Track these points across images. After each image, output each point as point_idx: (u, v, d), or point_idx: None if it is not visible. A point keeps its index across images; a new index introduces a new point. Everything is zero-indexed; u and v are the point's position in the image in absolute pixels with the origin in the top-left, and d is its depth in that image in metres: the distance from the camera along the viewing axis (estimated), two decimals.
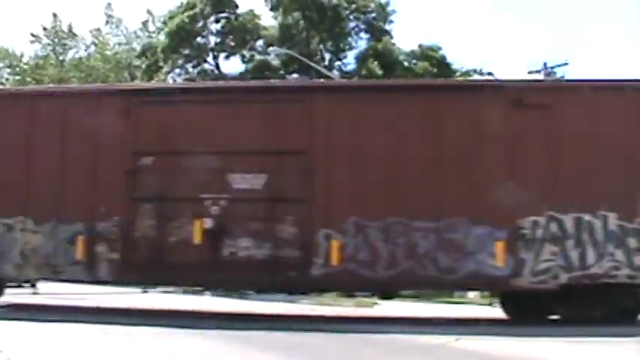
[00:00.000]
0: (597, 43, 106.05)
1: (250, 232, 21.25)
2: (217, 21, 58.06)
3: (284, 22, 55.51)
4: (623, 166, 20.65)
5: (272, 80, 56.00)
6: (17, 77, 79.06)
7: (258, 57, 57.23)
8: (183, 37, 56.94)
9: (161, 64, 58.37)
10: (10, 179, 22.70)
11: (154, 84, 25.84)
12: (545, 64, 51.76)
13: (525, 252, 20.19)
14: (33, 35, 78.45)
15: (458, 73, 62.00)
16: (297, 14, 55.33)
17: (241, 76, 56.40)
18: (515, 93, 21.14)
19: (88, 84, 73.70)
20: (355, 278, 20.97)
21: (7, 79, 79.41)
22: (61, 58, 78.33)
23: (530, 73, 52.39)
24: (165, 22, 61.67)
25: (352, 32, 57.59)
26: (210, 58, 58.92)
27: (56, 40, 78.28)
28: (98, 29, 77.95)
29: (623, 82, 22.19)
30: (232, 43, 57.90)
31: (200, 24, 57.45)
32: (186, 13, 56.68)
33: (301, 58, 49.98)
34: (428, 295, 36.84)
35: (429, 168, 20.73)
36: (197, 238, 21.56)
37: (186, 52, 58.18)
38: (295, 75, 56.74)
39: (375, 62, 53.51)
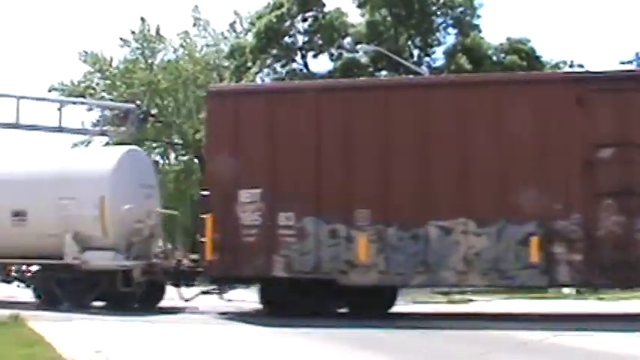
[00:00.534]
0: None
1: None
2: (304, 20, 58.05)
3: (371, 19, 55.34)
4: None
5: None
6: (107, 82, 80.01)
7: (346, 55, 57.13)
8: (271, 37, 57.05)
9: (249, 64, 58.55)
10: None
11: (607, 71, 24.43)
12: (637, 54, 50.96)
13: None
14: (122, 39, 79.30)
15: (548, 66, 61.36)
16: (384, 11, 55.17)
17: (330, 75, 56.39)
18: None
19: (176, 86, 74.70)
20: None
21: (97, 84, 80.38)
22: (149, 61, 79.05)
23: (621, 63, 51.63)
24: (252, 23, 61.91)
25: (440, 27, 57.25)
26: (298, 57, 58.98)
27: (145, 44, 79.00)
28: (186, 32, 78.55)
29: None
30: (320, 42, 57.82)
31: (287, 23, 57.50)
32: (273, 13, 56.80)
33: (390, 54, 49.89)
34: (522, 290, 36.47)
35: None
36: None
37: (275, 51, 58.25)
38: (384, 72, 56.68)
39: (464, 57, 53.19)
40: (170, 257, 29.20)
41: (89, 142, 72.64)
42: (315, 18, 57.74)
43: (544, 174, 21.89)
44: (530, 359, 15.48)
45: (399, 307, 29.58)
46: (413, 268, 22.95)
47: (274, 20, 56.54)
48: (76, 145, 71.08)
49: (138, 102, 68.82)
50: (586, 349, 15.99)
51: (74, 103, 67.66)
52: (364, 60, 56.14)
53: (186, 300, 27.39)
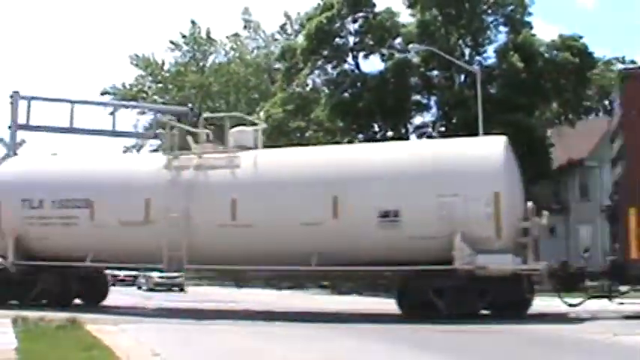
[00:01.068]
0: None
1: None
2: (355, 20, 57.92)
3: (422, 18, 55.13)
4: None
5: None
6: (159, 85, 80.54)
7: (397, 55, 56.92)
8: (321, 38, 57.01)
9: (300, 66, 58.60)
10: None
11: None
12: None
13: None
14: (172, 43, 79.79)
15: (600, 63, 60.79)
16: (435, 10, 54.92)
17: (381, 75, 56.28)
18: None
19: (227, 89, 75.06)
20: None
21: (149, 87, 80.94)
22: (200, 64, 79.43)
23: None
24: (303, 25, 62.02)
25: (491, 26, 56.82)
26: (349, 58, 58.86)
27: (196, 47, 79.40)
28: (236, 34, 78.86)
29: None
30: (371, 42, 57.67)
31: (338, 24, 57.43)
32: (323, 14, 56.76)
33: (441, 53, 49.64)
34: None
35: None
36: None
37: (326, 52, 58.20)
38: (436, 72, 56.46)
39: (516, 55, 52.79)
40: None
41: (141, 146, 73.23)
42: (366, 18, 57.62)
43: None
44: (589, 359, 15.29)
45: None
46: None
47: (325, 21, 56.50)
48: (128, 148, 71.66)
49: (190, 105, 69.17)
50: None
51: (127, 106, 68.33)
52: (415, 60, 55.93)
53: (572, 305, 25.27)
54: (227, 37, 79.26)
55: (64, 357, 13.56)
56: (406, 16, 58.57)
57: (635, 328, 18.90)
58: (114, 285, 44.76)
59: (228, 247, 26.67)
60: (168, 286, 51.01)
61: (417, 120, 59.05)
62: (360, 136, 56.01)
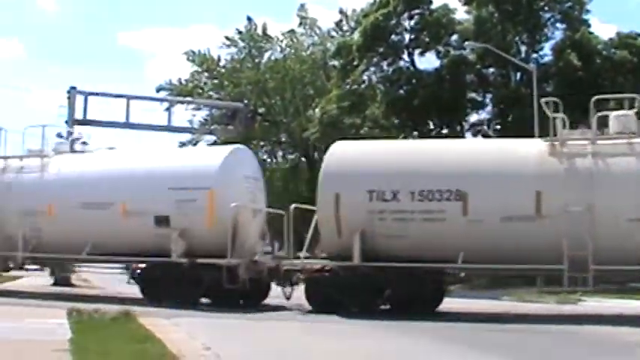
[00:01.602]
0: None
1: None
2: (411, 17, 57.75)
3: (478, 15, 54.89)
4: None
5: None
6: (215, 81, 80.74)
7: (453, 52, 56.77)
8: (377, 35, 56.89)
9: (356, 62, 58.54)
10: None
11: None
12: None
13: None
14: (227, 39, 79.96)
15: None
16: (491, 7, 54.61)
17: (437, 72, 56.14)
18: None
19: (283, 85, 75.14)
20: None
21: (204, 83, 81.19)
22: (256, 60, 79.53)
23: None
24: (359, 21, 61.95)
25: (548, 23, 56.38)
26: (405, 55, 58.70)
27: (251, 44, 79.52)
28: (292, 31, 78.86)
29: None
30: (427, 39, 57.46)
31: (394, 21, 57.29)
32: (379, 11, 56.65)
33: (497, 51, 49.37)
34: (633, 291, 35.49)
35: None
36: None
37: (381, 49, 58.06)
38: (491, 69, 56.15)
39: (573, 53, 52.35)
40: None
41: (197, 142, 73.59)
42: (422, 15, 57.45)
43: None
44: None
45: (507, 305, 29.39)
46: None
47: (380, 18, 56.41)
48: (183, 144, 72.07)
49: (245, 101, 69.45)
50: None
51: (182, 102, 68.80)
52: (471, 57, 55.69)
53: None
54: (282, 33, 79.30)
55: (116, 349, 13.70)
56: (462, 13, 58.41)
57: None
58: None
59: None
60: None
61: (473, 117, 58.80)
62: (415, 133, 55.81)
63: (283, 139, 75.99)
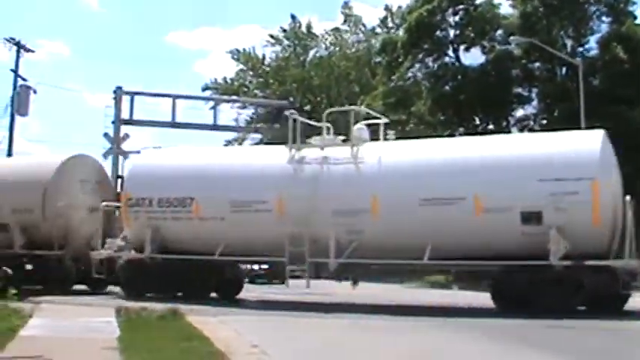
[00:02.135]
0: None
1: None
2: (456, 13, 57.73)
3: (523, 10, 54.63)
4: None
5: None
6: (260, 79, 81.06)
7: (498, 47, 56.57)
8: (422, 32, 56.96)
9: (401, 59, 58.54)
10: None
11: None
12: None
13: None
14: (272, 37, 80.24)
15: None
16: (536, 1, 54.32)
17: (482, 68, 55.98)
18: None
19: (328, 82, 75.25)
20: None
21: (250, 82, 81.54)
22: (301, 58, 79.73)
23: None
24: (403, 18, 61.92)
25: (593, 16, 55.89)
26: (450, 51, 58.68)
27: (296, 42, 79.72)
28: (336, 28, 78.99)
29: None
30: (472, 35, 57.45)
31: (438, 17, 57.31)
32: (424, 7, 56.67)
33: (543, 45, 49.07)
34: None
35: None
36: None
37: (426, 46, 58.09)
38: (537, 64, 55.84)
39: (619, 46, 51.92)
40: None
41: (243, 140, 73.86)
42: (466, 11, 57.39)
43: None
44: None
45: None
46: None
47: (425, 14, 56.44)
48: (229, 142, 72.37)
49: (291, 99, 69.58)
50: None
51: (228, 101, 69.06)
52: (517, 52, 55.45)
53: None
54: (327, 31, 79.46)
55: (164, 347, 13.76)
56: (507, 8, 58.32)
57: None
58: None
59: None
60: (269, 279, 50.97)
61: (519, 113, 58.50)
62: (461, 129, 55.69)
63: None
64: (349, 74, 75.51)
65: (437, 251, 24.94)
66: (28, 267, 32.34)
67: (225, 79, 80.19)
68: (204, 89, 78.80)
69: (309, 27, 79.25)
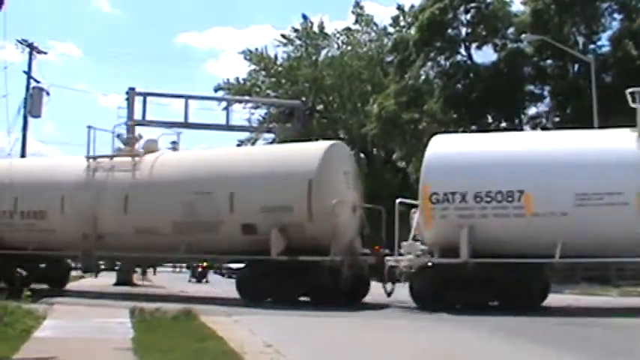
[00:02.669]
0: None
1: None
2: (467, 11, 57.63)
3: (535, 7, 54.45)
4: None
5: None
6: (272, 79, 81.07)
7: (510, 45, 56.46)
8: (434, 30, 56.84)
9: (413, 57, 58.47)
10: None
11: None
12: None
13: None
14: (284, 37, 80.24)
15: None
16: None
17: (494, 66, 55.89)
18: None
19: (340, 82, 75.18)
20: None
21: (262, 82, 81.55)
22: (313, 58, 79.71)
23: None
24: (415, 16, 61.80)
25: (605, 13, 55.67)
26: (462, 49, 58.60)
27: (308, 41, 79.70)
28: (348, 28, 78.98)
29: None
30: (483, 33, 57.26)
31: (450, 15, 57.21)
32: (436, 6, 56.53)
33: (555, 43, 48.96)
34: None
35: None
36: None
37: (438, 44, 58.01)
38: (549, 61, 55.69)
39: (631, 43, 51.75)
40: None
41: (255, 140, 73.87)
42: (478, 9, 57.27)
43: None
44: None
45: (568, 298, 29.16)
46: None
47: (437, 13, 56.32)
48: (242, 142, 72.35)
49: (303, 98, 69.57)
50: None
51: (240, 101, 69.09)
52: (528, 50, 55.33)
53: None
54: (339, 30, 79.43)
55: (178, 347, 13.85)
56: (518, 5, 58.13)
57: None
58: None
59: None
60: None
61: (531, 110, 58.39)
62: (473, 127, 55.60)
63: (341, 136, 75.99)
64: (361, 74, 75.43)
65: None
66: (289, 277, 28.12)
67: (237, 79, 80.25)
68: (217, 90, 78.84)
69: (321, 27, 79.22)
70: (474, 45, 58.39)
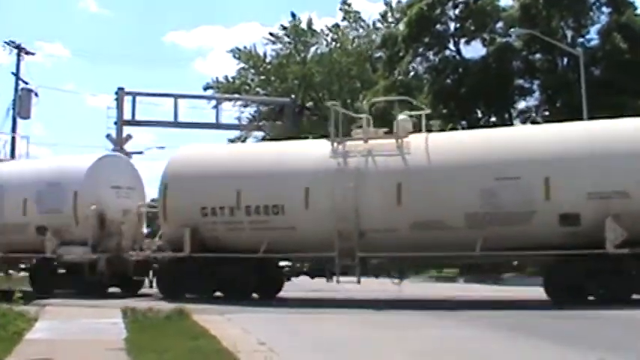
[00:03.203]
0: None
1: None
2: (455, 6, 57.66)
3: (523, 2, 54.41)
4: None
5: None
6: (261, 77, 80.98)
7: (499, 39, 56.40)
8: (422, 25, 56.79)
9: (402, 53, 58.42)
10: None
11: None
12: None
13: None
14: (272, 35, 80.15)
15: None
16: None
17: (483, 60, 55.83)
18: None
19: (330, 79, 75.13)
20: None
21: (251, 80, 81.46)
22: (302, 55, 79.62)
23: None
24: (403, 12, 61.74)
25: (593, 7, 55.63)
26: (450, 44, 58.58)
27: (297, 39, 79.60)
28: (336, 24, 78.92)
29: None
30: (472, 28, 57.31)
31: (438, 11, 57.20)
32: (424, 1, 56.46)
33: (544, 37, 48.91)
34: None
35: None
36: None
37: (427, 39, 57.94)
38: (538, 56, 55.65)
39: (619, 36, 51.75)
40: None
41: (246, 138, 73.84)
42: (466, 4, 57.30)
43: None
44: None
45: None
46: None
47: (425, 8, 56.31)
48: (232, 140, 72.33)
49: (292, 96, 69.53)
50: None
51: (230, 99, 69.08)
52: (517, 44, 55.31)
53: None
54: (327, 27, 79.36)
55: (171, 346, 13.66)
56: (506, 0, 58.15)
57: None
58: None
59: None
60: None
61: (521, 105, 58.36)
62: (463, 122, 55.60)
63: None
64: (350, 70, 75.42)
65: None
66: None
67: (226, 77, 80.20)
68: (206, 88, 78.78)
69: (309, 24, 79.18)
70: (462, 40, 58.46)
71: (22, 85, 57.16)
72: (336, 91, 74.78)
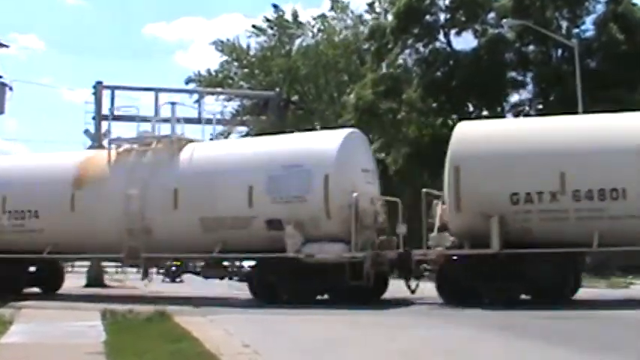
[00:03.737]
0: None
1: None
2: None
3: None
4: None
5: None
6: (245, 70, 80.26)
7: (491, 31, 55.54)
8: (411, 16, 55.93)
9: (391, 45, 57.44)
10: None
11: None
12: None
13: None
14: (255, 27, 79.32)
15: None
16: None
17: (475, 52, 54.89)
18: None
19: (316, 71, 74.21)
20: None
21: (235, 73, 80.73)
22: (287, 47, 78.91)
23: None
24: (392, 2, 60.84)
25: None
26: (441, 36, 57.66)
27: (281, 31, 78.87)
28: (323, 15, 78.09)
29: None
30: (463, 18, 56.41)
31: (428, 1, 56.33)
32: None
33: (537, 28, 48.17)
34: None
35: None
36: None
37: (416, 31, 57.02)
38: (531, 47, 54.79)
39: (616, 26, 50.98)
40: None
41: (229, 133, 72.72)
42: None
43: None
44: None
45: None
46: None
47: None
48: (215, 135, 71.21)
49: (277, 89, 68.60)
50: None
51: (213, 93, 67.91)
52: (510, 35, 54.44)
53: None
54: (313, 18, 78.53)
55: (151, 349, 13.50)
56: None
57: None
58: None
59: None
60: None
61: (514, 98, 57.43)
62: (454, 116, 54.54)
63: (318, 128, 74.92)
64: (337, 62, 74.62)
65: None
66: None
67: (208, 70, 79.39)
68: (188, 82, 77.93)
69: (294, 15, 78.33)
70: (453, 31, 57.53)
71: None
72: (322, 85, 74.05)
